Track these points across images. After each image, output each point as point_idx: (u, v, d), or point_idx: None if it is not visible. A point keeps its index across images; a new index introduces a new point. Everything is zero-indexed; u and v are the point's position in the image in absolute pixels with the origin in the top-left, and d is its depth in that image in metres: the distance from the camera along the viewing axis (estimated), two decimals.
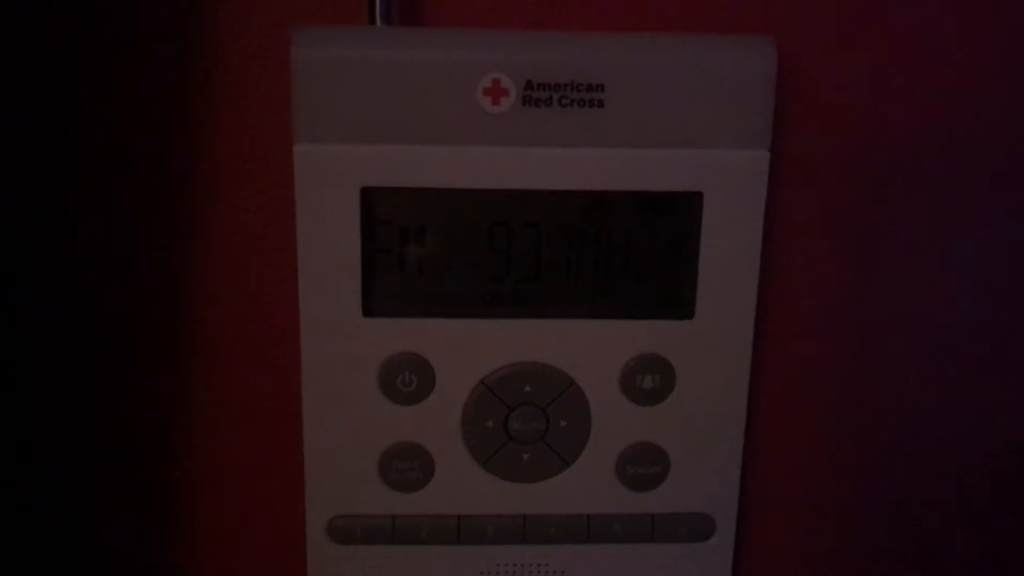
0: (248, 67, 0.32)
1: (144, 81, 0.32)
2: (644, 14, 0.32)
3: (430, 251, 0.31)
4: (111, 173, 0.32)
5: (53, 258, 0.33)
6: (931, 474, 0.38)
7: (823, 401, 0.36)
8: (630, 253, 0.31)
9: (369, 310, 0.31)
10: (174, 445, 0.35)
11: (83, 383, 0.34)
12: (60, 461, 0.35)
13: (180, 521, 0.36)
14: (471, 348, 0.31)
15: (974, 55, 0.34)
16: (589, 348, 0.32)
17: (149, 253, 0.33)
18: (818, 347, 0.36)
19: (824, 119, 0.33)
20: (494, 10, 0.32)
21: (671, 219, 0.31)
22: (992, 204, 0.35)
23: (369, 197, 0.30)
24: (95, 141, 0.32)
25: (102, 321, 0.34)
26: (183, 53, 0.32)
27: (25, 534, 0.35)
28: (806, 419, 0.36)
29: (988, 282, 0.36)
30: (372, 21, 0.30)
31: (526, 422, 0.32)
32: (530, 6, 0.32)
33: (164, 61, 0.32)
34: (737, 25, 0.32)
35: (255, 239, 0.33)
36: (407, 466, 0.32)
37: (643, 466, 0.33)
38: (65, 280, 0.33)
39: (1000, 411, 0.37)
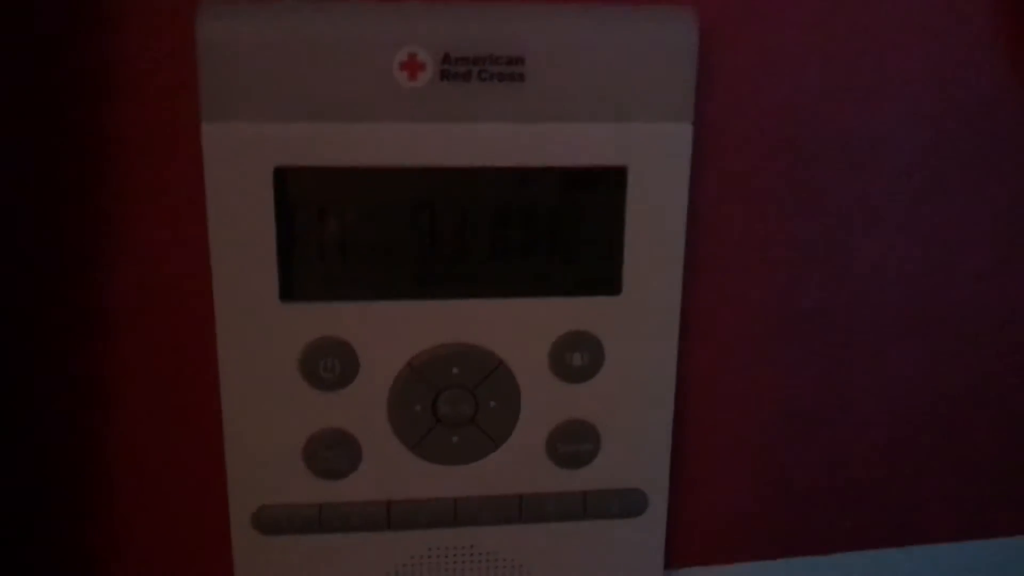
0: (151, 43, 0.30)
1: (42, 60, 0.30)
2: None
3: (349, 232, 0.30)
4: (7, 157, 0.31)
5: None
6: (861, 440, 0.38)
7: (752, 373, 0.36)
8: (555, 230, 0.31)
9: (287, 294, 0.30)
10: (91, 438, 0.34)
11: None
12: None
13: (102, 518, 0.34)
14: (395, 331, 0.31)
15: (900, 20, 0.34)
16: (517, 327, 0.31)
17: (55, 239, 0.32)
18: (746, 318, 0.36)
19: (747, 90, 0.33)
20: None
21: (595, 194, 0.31)
22: (916, 172, 0.35)
23: (283, 177, 0.29)
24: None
25: (7, 310, 0.32)
26: (83, 30, 0.30)
27: None
28: (735, 391, 0.37)
29: (913, 246, 0.36)
30: None
31: (454, 405, 0.32)
32: None
33: (63, 39, 0.30)
34: None
35: (164, 223, 0.32)
36: (333, 453, 0.31)
37: (574, 444, 0.33)
38: None
39: (927, 373, 0.38)
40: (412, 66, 0.28)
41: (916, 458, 0.39)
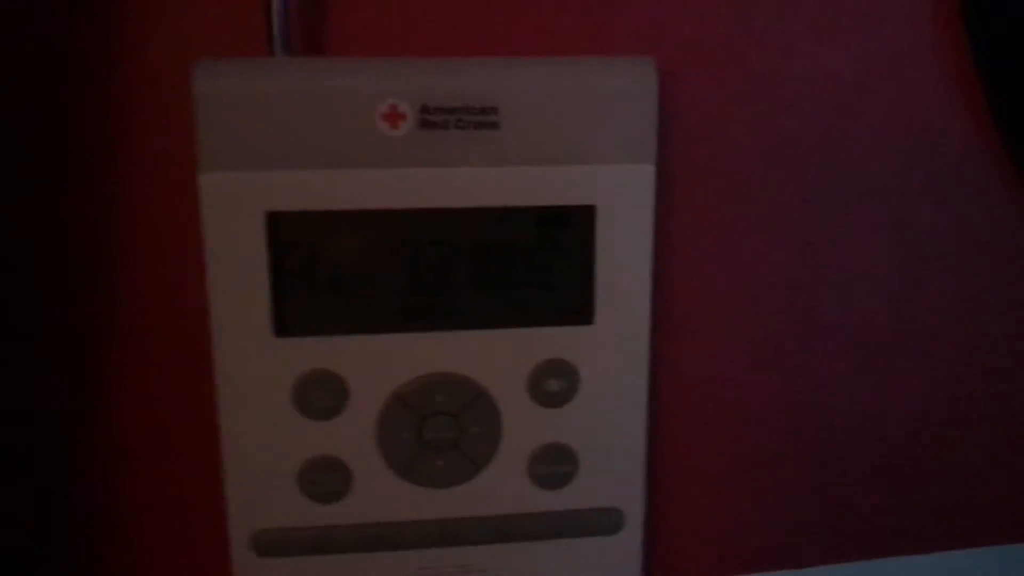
0: (149, 99, 0.32)
1: (46, 114, 0.32)
2: (534, 39, 0.34)
3: (337, 271, 0.32)
4: (14, 206, 0.33)
5: None
6: (826, 455, 0.40)
7: (718, 394, 0.38)
8: (531, 265, 0.33)
9: (280, 330, 0.32)
10: (98, 466, 0.35)
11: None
12: None
13: (108, 541, 0.36)
14: (382, 362, 0.33)
15: (852, 63, 0.36)
16: (496, 357, 0.33)
17: (60, 284, 0.34)
18: (711, 344, 0.38)
19: (707, 131, 0.36)
20: (390, 38, 0.33)
21: (567, 231, 0.33)
22: (868, 205, 0.37)
23: (275, 221, 0.31)
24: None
25: (24, 350, 0.34)
26: (85, 86, 0.32)
27: None
28: (704, 411, 0.38)
29: (869, 276, 0.38)
30: (272, 52, 0.31)
31: (439, 431, 0.34)
32: (424, 33, 0.33)
33: (66, 94, 0.32)
34: (621, 48, 0.34)
35: (164, 265, 0.34)
36: (326, 479, 0.33)
37: (553, 465, 0.35)
38: None
39: (888, 397, 0.40)
40: (393, 116, 0.31)
41: (895, 471, 0.40)
